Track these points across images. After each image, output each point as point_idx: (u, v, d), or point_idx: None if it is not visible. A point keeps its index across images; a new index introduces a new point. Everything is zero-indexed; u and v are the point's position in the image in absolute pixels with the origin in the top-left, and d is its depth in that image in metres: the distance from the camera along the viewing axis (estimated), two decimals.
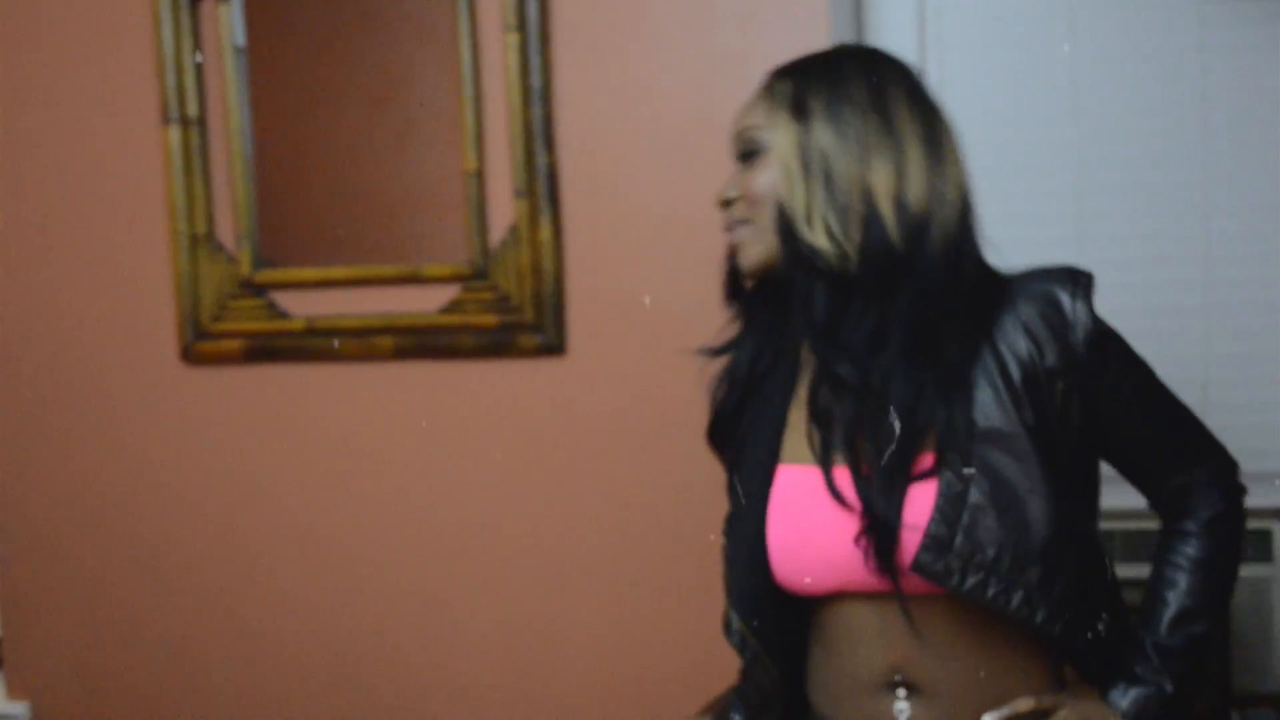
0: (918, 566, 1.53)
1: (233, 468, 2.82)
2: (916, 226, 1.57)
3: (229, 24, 2.68)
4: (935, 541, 1.53)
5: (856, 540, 1.57)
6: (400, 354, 2.67)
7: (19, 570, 3.00)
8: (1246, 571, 2.51)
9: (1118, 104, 2.59)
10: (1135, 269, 2.59)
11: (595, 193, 2.57)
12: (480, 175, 2.58)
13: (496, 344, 2.61)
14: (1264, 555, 2.56)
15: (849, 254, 1.57)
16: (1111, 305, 2.54)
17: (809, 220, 1.58)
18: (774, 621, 1.70)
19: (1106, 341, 1.63)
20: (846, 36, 2.56)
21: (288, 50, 2.69)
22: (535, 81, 2.52)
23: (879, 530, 1.55)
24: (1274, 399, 2.58)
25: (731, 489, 1.78)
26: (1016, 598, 1.54)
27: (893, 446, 1.55)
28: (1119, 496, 2.60)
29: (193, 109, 2.71)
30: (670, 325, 2.51)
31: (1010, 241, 2.45)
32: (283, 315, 2.73)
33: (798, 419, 1.69)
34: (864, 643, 1.64)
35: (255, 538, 2.83)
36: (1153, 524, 2.57)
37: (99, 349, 2.86)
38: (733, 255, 1.71)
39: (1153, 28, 2.56)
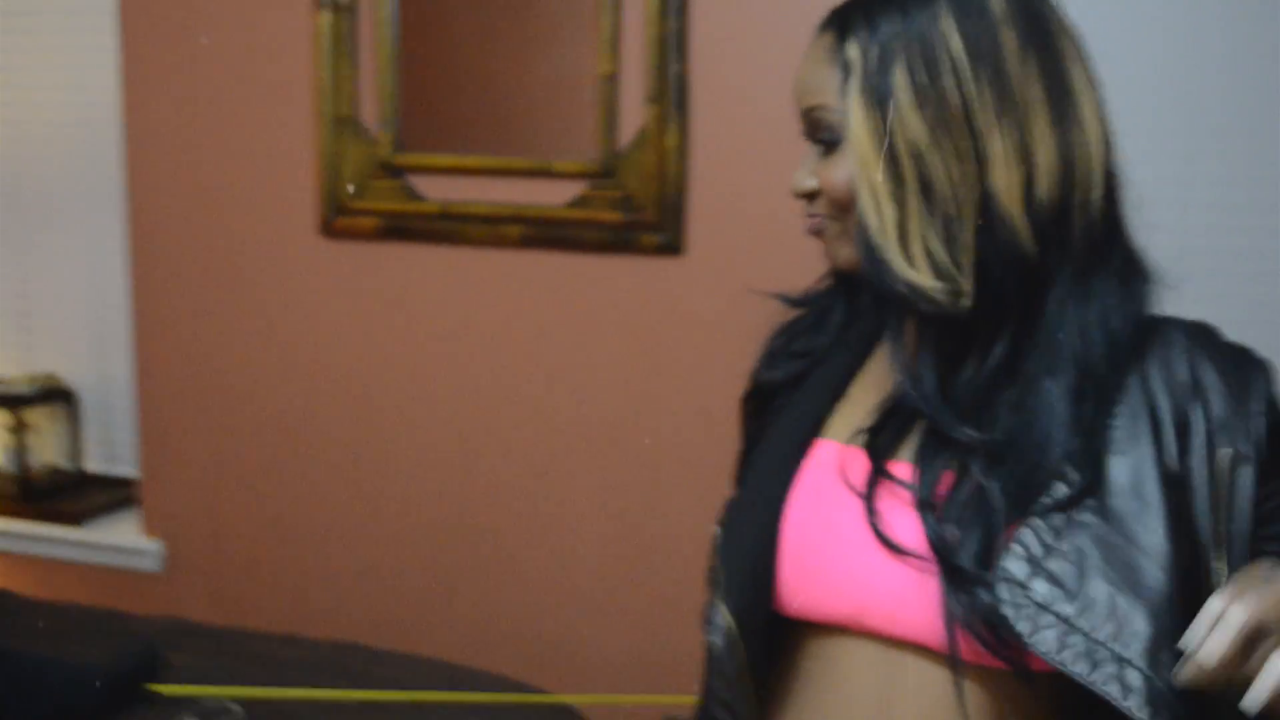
0: (980, 595, 1.14)
1: (360, 337, 2.94)
2: (1053, 224, 1.17)
3: None
4: (1005, 575, 1.13)
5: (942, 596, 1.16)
6: (526, 243, 2.77)
7: (158, 420, 3.16)
8: None
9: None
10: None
11: (722, 103, 2.63)
12: (614, 79, 2.65)
13: (618, 240, 2.70)
14: None
15: (962, 288, 1.17)
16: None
17: (905, 249, 1.17)
18: (765, 634, 1.28)
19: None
20: None
21: None
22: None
23: (964, 586, 1.15)
24: None
25: (746, 468, 1.43)
26: (1133, 678, 1.09)
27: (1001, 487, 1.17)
28: None
29: None
30: (784, 234, 2.58)
31: None
32: (418, 198, 2.83)
33: (860, 393, 1.34)
34: (859, 701, 1.25)
35: (376, 404, 2.96)
36: None
37: (243, 217, 2.98)
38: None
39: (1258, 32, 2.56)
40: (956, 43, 1.16)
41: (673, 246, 2.66)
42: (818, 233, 1.30)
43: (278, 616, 3.05)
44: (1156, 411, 1.18)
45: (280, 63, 2.89)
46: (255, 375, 3.04)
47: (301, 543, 3.06)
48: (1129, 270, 1.23)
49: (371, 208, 2.86)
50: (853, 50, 1.20)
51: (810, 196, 1.29)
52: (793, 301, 1.45)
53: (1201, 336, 1.22)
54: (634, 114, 2.65)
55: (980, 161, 1.15)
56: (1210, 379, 1.19)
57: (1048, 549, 1.13)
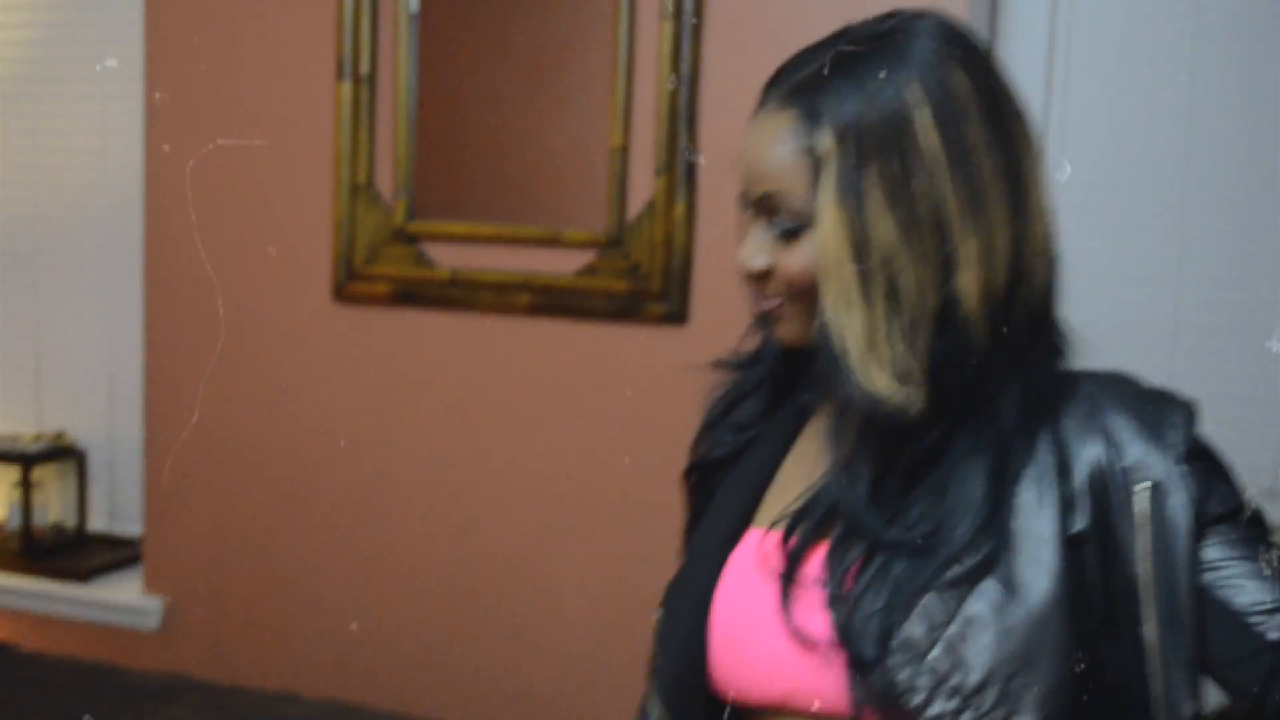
0: (876, 676, 1.13)
1: (369, 400, 2.98)
2: (1003, 317, 1.16)
3: None
4: (905, 646, 1.12)
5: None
6: (534, 311, 2.82)
7: (164, 479, 3.18)
8: None
9: (1229, 132, 2.67)
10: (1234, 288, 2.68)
11: (729, 176, 2.68)
12: (624, 151, 2.71)
13: (625, 309, 2.75)
14: None
15: (915, 397, 1.14)
16: (1198, 320, 2.63)
17: (868, 356, 1.14)
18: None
19: (1209, 464, 1.18)
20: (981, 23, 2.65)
21: (457, 19, 2.84)
22: (684, 68, 2.65)
23: (865, 670, 1.14)
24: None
25: (685, 547, 1.42)
26: None
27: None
28: None
29: (365, 67, 2.87)
30: None
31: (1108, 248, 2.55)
32: (430, 264, 2.88)
33: (789, 478, 1.30)
34: None
35: (381, 467, 2.99)
36: None
37: (259, 280, 3.04)
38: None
39: (1270, 59, 2.64)
40: (932, 139, 1.12)
41: (678, 315, 2.71)
42: (771, 316, 1.24)
43: (276, 676, 3.06)
44: (1067, 472, 1.16)
45: (300, 130, 2.96)
46: (263, 437, 3.07)
47: (302, 603, 3.07)
48: (1055, 341, 1.23)
49: (384, 273, 2.91)
50: (825, 141, 1.14)
51: (761, 277, 1.23)
52: (734, 365, 1.42)
53: (1112, 386, 1.21)
54: (643, 185, 2.71)
55: (946, 263, 1.13)
56: (1120, 425, 1.17)
57: (948, 619, 1.12)
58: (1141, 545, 1.14)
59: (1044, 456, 1.17)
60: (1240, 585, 1.13)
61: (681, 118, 2.66)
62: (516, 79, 2.80)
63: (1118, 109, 2.73)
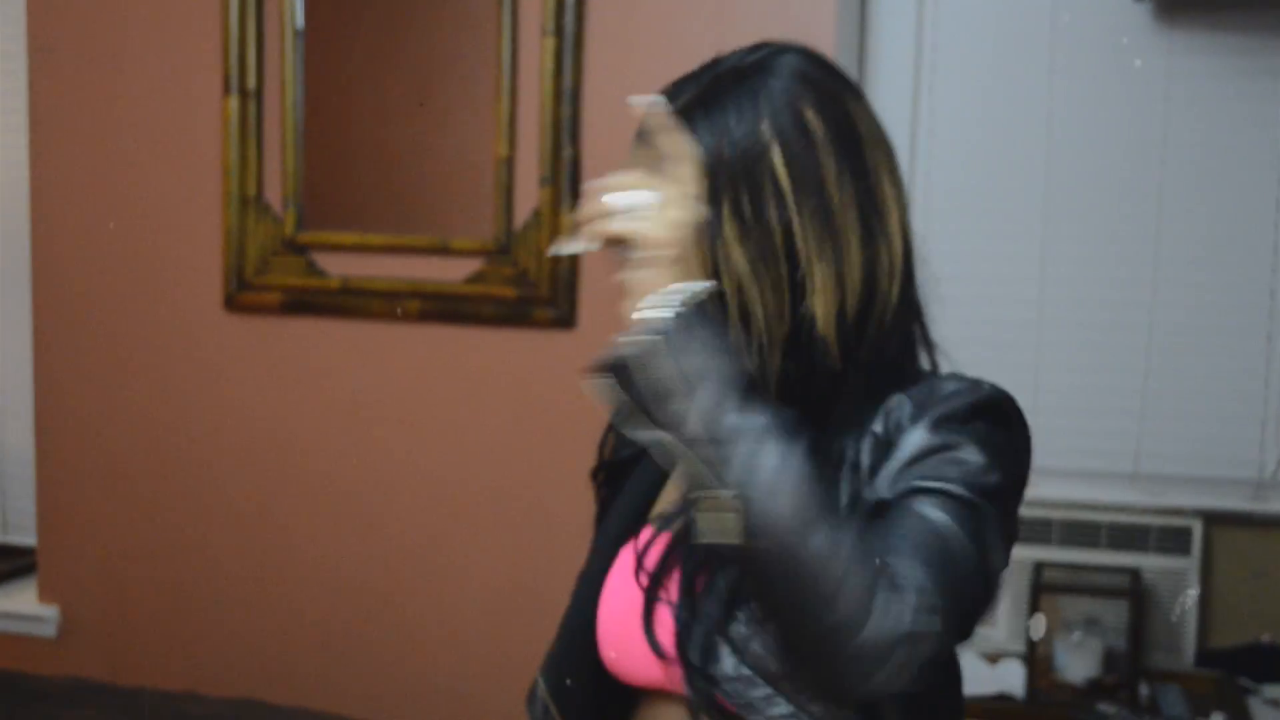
0: (701, 684, 1.19)
1: (262, 408, 3.02)
2: (855, 336, 1.20)
3: (291, 7, 2.85)
4: (735, 648, 1.19)
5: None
6: (425, 317, 2.87)
7: (56, 486, 3.19)
8: (1167, 563, 2.77)
9: (1086, 142, 2.81)
10: (1089, 287, 2.83)
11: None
12: (510, 162, 2.78)
13: (513, 314, 2.82)
14: (1183, 549, 2.79)
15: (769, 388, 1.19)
16: (1061, 317, 2.78)
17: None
18: (589, 702, 1.34)
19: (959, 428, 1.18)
20: (850, 46, 2.77)
21: (342, 34, 2.89)
22: (567, 82, 2.72)
23: (693, 677, 1.20)
24: (1203, 411, 2.82)
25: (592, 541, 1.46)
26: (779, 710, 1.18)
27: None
28: (1055, 487, 2.85)
29: (252, 82, 2.90)
30: None
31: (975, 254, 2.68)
32: (320, 274, 2.93)
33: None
34: None
35: (276, 471, 3.03)
36: (1087, 514, 2.81)
37: (149, 292, 3.05)
38: None
39: (1124, 73, 2.78)
40: (783, 174, 1.17)
41: (566, 320, 2.79)
42: None
43: (176, 679, 3.09)
44: (857, 467, 1.19)
45: (189, 144, 2.98)
46: (156, 444, 3.09)
47: (198, 606, 3.10)
48: (915, 356, 1.26)
49: (275, 283, 2.95)
50: (700, 154, 1.18)
51: None
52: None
53: (929, 382, 1.22)
54: (529, 195, 2.78)
55: (797, 290, 1.17)
56: (905, 409, 1.19)
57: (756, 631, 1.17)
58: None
59: (848, 455, 1.20)
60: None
61: (565, 128, 2.74)
62: (403, 92, 2.85)
63: (981, 127, 2.87)
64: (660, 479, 1.35)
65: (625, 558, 1.31)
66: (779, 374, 1.19)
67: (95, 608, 3.19)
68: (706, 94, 1.21)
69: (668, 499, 1.33)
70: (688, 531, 1.17)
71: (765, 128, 1.18)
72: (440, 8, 2.82)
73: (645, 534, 1.30)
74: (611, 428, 1.44)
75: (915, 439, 1.16)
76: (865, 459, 1.18)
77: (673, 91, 1.24)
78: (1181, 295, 2.78)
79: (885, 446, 1.18)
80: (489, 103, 2.78)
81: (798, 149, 1.17)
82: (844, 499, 1.17)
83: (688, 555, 1.22)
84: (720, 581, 1.19)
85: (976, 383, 1.22)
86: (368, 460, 2.97)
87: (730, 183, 1.17)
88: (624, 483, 1.40)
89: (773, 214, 1.17)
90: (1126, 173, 2.79)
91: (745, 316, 1.17)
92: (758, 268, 1.17)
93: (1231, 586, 2.84)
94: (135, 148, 3.03)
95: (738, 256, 1.17)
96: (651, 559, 1.27)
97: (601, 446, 1.47)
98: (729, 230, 1.17)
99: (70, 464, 3.17)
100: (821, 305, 1.17)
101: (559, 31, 2.71)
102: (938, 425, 1.17)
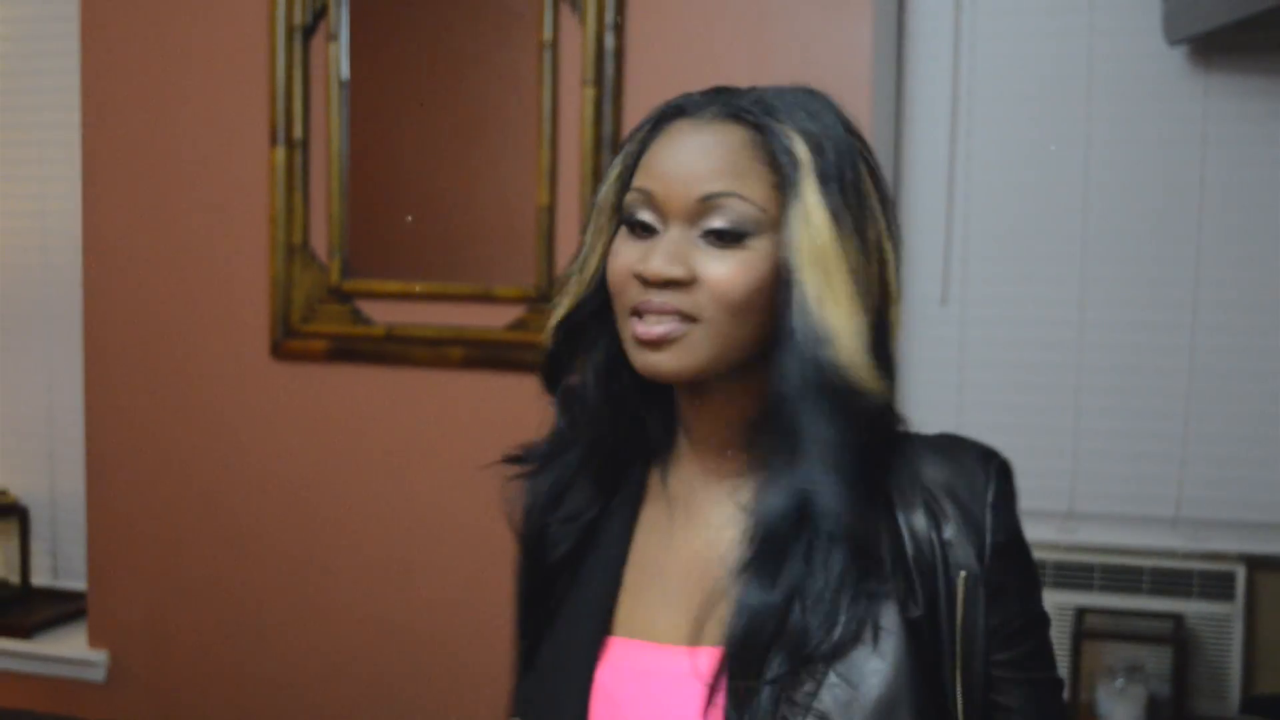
0: None
1: (308, 454, 3.03)
2: (885, 365, 1.17)
3: (336, 59, 2.90)
4: None
5: None
6: (468, 364, 2.88)
7: (106, 532, 3.21)
8: (1210, 608, 2.72)
9: (1124, 184, 2.80)
10: (1128, 332, 2.80)
11: None
12: (551, 209, 2.79)
13: None
14: (1228, 595, 2.75)
15: (893, 396, 1.18)
16: (1100, 362, 2.75)
17: (859, 355, 1.12)
18: None
19: (1017, 551, 1.18)
20: (886, 96, 2.77)
21: (387, 85, 2.92)
22: (606, 130, 2.73)
23: None
24: (1244, 454, 2.78)
25: (527, 662, 1.32)
26: None
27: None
28: (1097, 532, 2.81)
29: (298, 132, 2.93)
30: None
31: (1015, 298, 2.66)
32: (365, 321, 2.95)
33: (642, 575, 1.24)
34: None
35: (322, 518, 3.04)
36: (1129, 559, 2.77)
37: (197, 339, 3.08)
38: (642, 345, 1.15)
39: (1160, 116, 2.77)
40: (868, 181, 1.17)
41: None
42: (662, 334, 1.13)
43: None
44: (901, 549, 1.14)
45: (236, 193, 3.01)
46: (203, 490, 3.11)
47: (245, 651, 3.11)
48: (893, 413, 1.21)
49: (320, 331, 2.97)
50: (799, 148, 1.14)
51: (669, 285, 1.13)
52: (536, 456, 1.34)
53: (936, 454, 1.18)
54: (570, 241, 2.79)
55: (885, 293, 1.17)
56: (943, 498, 1.15)
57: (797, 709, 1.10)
58: (954, 625, 1.14)
59: (883, 538, 1.15)
60: (1010, 711, 1.15)
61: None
62: (445, 142, 2.87)
63: (1019, 169, 2.86)
64: (612, 582, 1.24)
65: (612, 682, 1.20)
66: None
67: (144, 652, 3.20)
68: (784, 95, 1.20)
69: (636, 604, 1.23)
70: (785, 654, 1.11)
71: (850, 136, 1.19)
72: (482, 59, 2.84)
73: (617, 648, 1.21)
74: (535, 525, 1.31)
75: (983, 587, 1.15)
76: (908, 540, 1.15)
77: (723, 92, 1.21)
78: (1221, 338, 2.75)
79: (925, 529, 1.15)
80: (530, 151, 2.79)
81: (872, 164, 1.20)
82: (880, 578, 1.13)
83: (781, 680, 1.11)
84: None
85: (991, 463, 1.19)
86: (412, 506, 2.97)
87: (838, 169, 1.15)
88: (560, 586, 1.28)
89: (867, 213, 1.16)
90: (1164, 215, 2.77)
91: (866, 299, 1.14)
92: (865, 256, 1.15)
93: (1276, 631, 2.79)
94: (184, 198, 3.06)
95: (854, 239, 1.14)
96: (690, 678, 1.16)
97: (524, 541, 1.34)
98: (846, 211, 1.14)
99: (120, 510, 3.19)
100: (896, 314, 1.19)
101: (599, 81, 2.72)
102: (997, 558, 1.16)
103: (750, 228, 1.13)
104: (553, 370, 1.31)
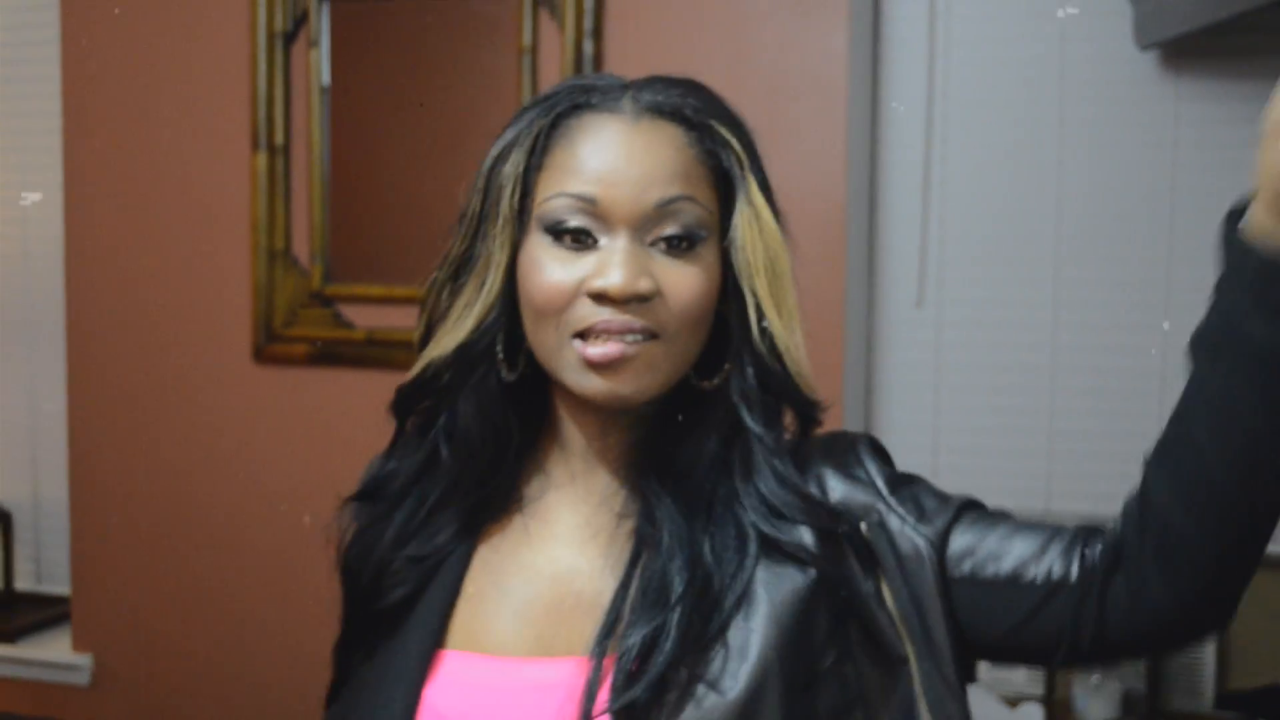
0: None
1: (290, 457, 3.04)
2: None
3: (317, 65, 2.91)
4: None
5: None
6: None
7: (89, 537, 3.21)
8: None
9: (1097, 187, 2.82)
10: (1100, 334, 2.83)
11: None
12: None
13: None
14: None
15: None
16: (1074, 363, 2.78)
17: (804, 368, 1.11)
18: None
19: (909, 487, 1.14)
20: (862, 106, 2.79)
21: (368, 91, 2.93)
22: None
23: None
24: None
25: (347, 678, 1.28)
26: None
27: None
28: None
29: (280, 138, 2.94)
30: None
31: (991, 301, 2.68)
32: (347, 325, 2.96)
33: (483, 590, 1.15)
34: None
35: (304, 522, 3.05)
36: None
37: (181, 343, 3.08)
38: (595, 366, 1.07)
39: (1132, 120, 2.79)
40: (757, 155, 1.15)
41: None
42: (621, 353, 1.06)
43: None
44: (828, 535, 1.10)
45: (218, 198, 3.02)
46: (186, 494, 3.12)
47: (228, 655, 3.11)
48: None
49: (302, 335, 2.98)
50: (738, 150, 1.11)
51: (637, 300, 1.06)
52: (384, 495, 1.26)
53: (823, 447, 1.15)
54: None
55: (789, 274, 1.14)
56: (826, 472, 1.12)
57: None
58: (890, 583, 1.09)
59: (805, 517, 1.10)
60: (999, 553, 1.09)
61: None
62: (426, 147, 2.89)
63: (993, 174, 2.88)
64: (448, 598, 1.16)
65: (441, 687, 1.12)
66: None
67: (127, 656, 3.20)
68: (706, 95, 1.16)
69: (475, 615, 1.15)
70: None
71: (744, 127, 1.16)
72: (462, 65, 2.86)
73: (452, 660, 1.13)
74: (371, 556, 1.23)
75: (897, 522, 1.10)
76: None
77: (653, 84, 1.15)
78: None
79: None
80: None
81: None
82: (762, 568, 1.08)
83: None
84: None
85: (853, 435, 1.18)
86: None
87: (761, 170, 1.13)
88: (393, 616, 1.20)
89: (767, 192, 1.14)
90: (1137, 217, 2.80)
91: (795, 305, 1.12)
92: (785, 236, 1.13)
93: (1250, 629, 2.82)
94: (166, 203, 3.07)
95: (773, 228, 1.11)
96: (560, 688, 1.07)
97: (364, 588, 1.25)
98: (762, 201, 1.12)
99: (103, 515, 3.19)
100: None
101: None
102: (893, 491, 1.12)
103: (703, 233, 1.09)
104: (414, 400, 1.24)
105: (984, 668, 2.92)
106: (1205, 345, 1.00)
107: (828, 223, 2.68)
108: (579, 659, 1.06)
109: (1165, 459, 1.02)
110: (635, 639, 1.04)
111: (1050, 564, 1.08)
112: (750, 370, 1.10)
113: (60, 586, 3.46)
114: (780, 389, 1.11)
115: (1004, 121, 2.87)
